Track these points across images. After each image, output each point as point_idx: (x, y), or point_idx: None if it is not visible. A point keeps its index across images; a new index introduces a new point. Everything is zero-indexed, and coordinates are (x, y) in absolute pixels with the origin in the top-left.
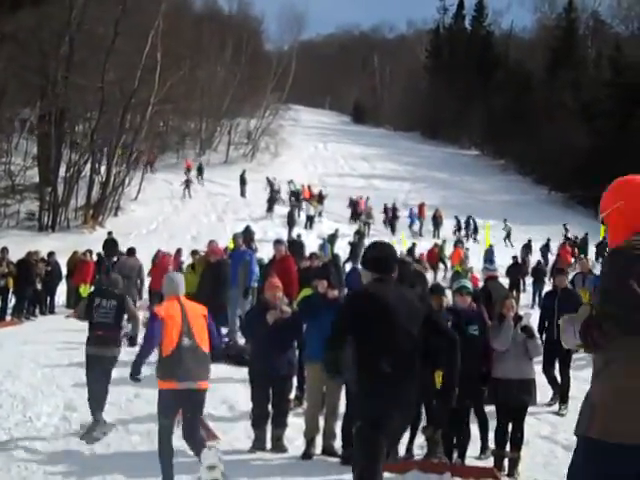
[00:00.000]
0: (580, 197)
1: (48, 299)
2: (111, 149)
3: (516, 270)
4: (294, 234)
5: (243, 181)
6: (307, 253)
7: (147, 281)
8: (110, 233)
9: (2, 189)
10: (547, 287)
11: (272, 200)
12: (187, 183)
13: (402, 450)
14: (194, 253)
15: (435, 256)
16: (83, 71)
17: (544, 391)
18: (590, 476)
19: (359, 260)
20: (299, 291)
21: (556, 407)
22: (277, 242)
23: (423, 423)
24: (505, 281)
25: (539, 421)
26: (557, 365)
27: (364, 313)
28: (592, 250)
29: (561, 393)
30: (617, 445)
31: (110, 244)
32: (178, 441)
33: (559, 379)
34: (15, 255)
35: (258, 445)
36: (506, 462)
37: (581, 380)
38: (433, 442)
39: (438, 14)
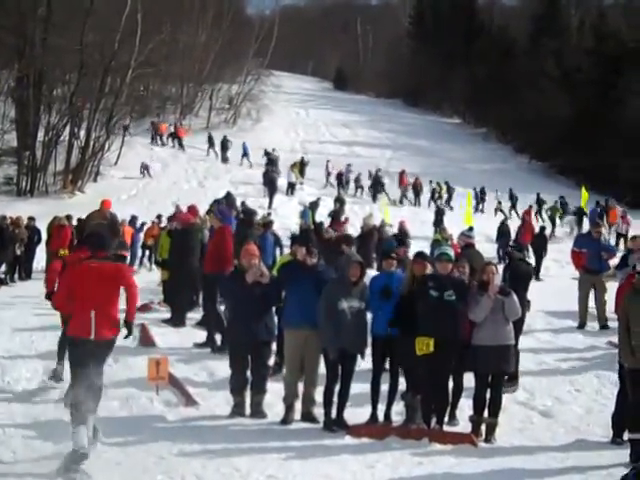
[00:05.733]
0: (560, 166)
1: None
2: (90, 113)
3: (542, 239)
4: (275, 201)
5: (225, 147)
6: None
7: None
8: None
9: None
10: None
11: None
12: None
13: (381, 416)
14: (171, 219)
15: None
16: (62, 33)
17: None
18: None
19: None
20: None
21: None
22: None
23: (402, 388)
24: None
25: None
26: None
27: None
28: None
29: None
30: None
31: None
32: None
33: None
34: None
35: (237, 411)
36: (483, 428)
37: None
38: (412, 408)
39: None
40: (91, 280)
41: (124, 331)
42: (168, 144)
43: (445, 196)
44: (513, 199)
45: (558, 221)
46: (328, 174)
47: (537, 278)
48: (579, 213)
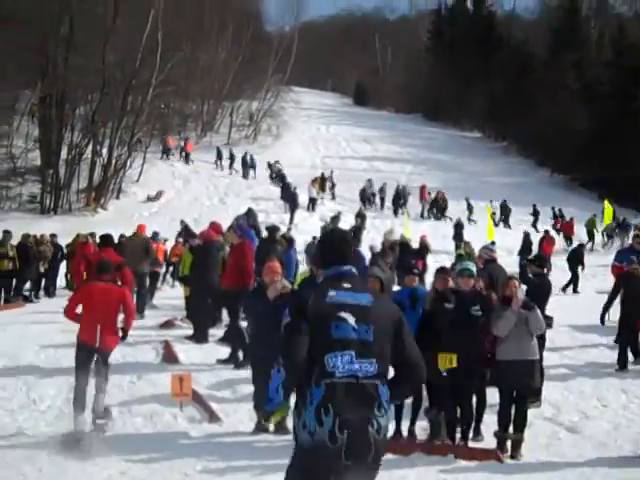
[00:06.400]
0: (582, 179)
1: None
2: (112, 131)
3: (579, 253)
4: (296, 217)
5: (245, 163)
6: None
7: None
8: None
9: (4, 172)
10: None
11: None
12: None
13: (405, 432)
14: (193, 236)
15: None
16: (84, 52)
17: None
18: None
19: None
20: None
21: None
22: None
23: (426, 404)
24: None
25: (542, 402)
26: None
27: None
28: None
29: None
30: None
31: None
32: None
33: None
34: (19, 238)
35: (261, 427)
36: (509, 444)
37: None
38: (436, 424)
39: None
40: (98, 299)
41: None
42: (177, 158)
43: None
44: (536, 214)
45: (596, 233)
46: (365, 192)
47: (575, 291)
48: (623, 226)
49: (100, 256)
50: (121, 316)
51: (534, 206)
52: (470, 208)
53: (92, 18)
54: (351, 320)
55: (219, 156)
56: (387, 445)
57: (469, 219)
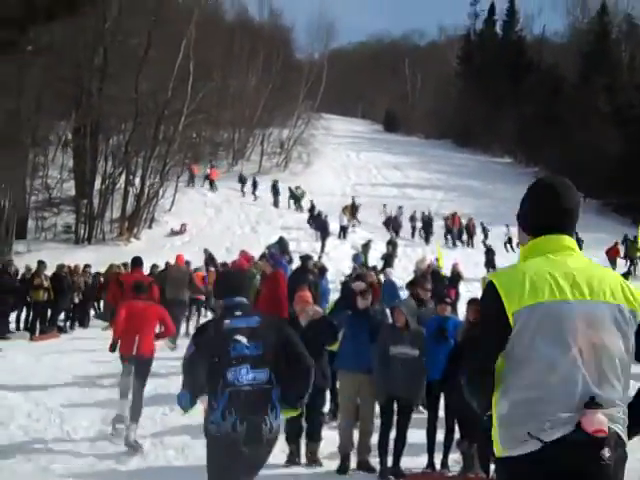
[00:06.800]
0: (614, 204)
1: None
2: (145, 160)
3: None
4: (327, 245)
5: (276, 191)
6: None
7: None
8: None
9: (39, 202)
10: None
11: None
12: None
13: (438, 464)
14: (224, 265)
15: None
16: (117, 82)
17: None
18: None
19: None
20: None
21: None
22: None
23: (457, 436)
24: None
25: None
26: None
27: None
28: None
29: None
30: None
31: None
32: None
33: None
34: (53, 268)
35: (293, 459)
36: None
37: None
38: (469, 457)
39: (469, 20)
40: (139, 315)
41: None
42: (201, 185)
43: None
44: (578, 242)
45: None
46: (389, 220)
47: None
48: None
49: (131, 277)
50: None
51: (576, 233)
52: (508, 238)
53: (125, 49)
54: (244, 340)
55: (242, 183)
56: (277, 440)
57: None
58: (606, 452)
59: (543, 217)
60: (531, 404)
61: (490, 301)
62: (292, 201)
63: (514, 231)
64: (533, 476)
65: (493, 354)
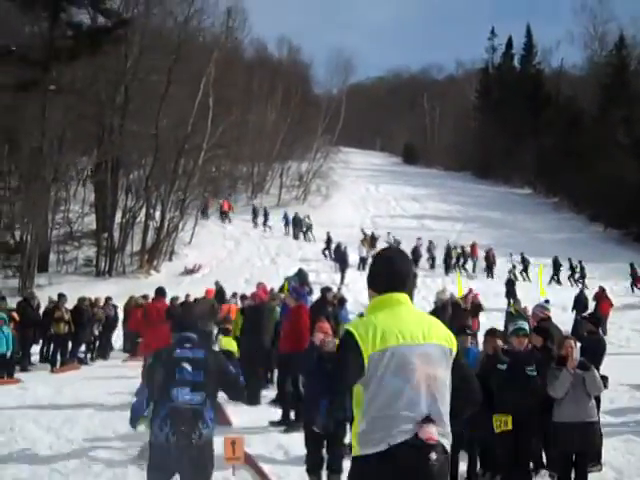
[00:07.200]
0: (635, 234)
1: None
2: (165, 194)
3: None
4: (347, 277)
5: (296, 223)
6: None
7: None
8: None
9: (61, 236)
10: None
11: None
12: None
13: None
14: (243, 298)
15: None
16: (138, 119)
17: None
18: None
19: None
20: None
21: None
22: (289, 284)
23: (479, 468)
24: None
25: (603, 465)
26: None
27: None
28: None
29: None
30: None
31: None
32: None
33: None
34: (75, 301)
35: None
36: None
37: None
38: None
39: (487, 54)
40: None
41: None
42: (216, 217)
43: (519, 267)
44: (582, 270)
45: None
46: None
47: None
48: None
49: (154, 306)
50: None
51: (580, 262)
52: (525, 264)
53: (146, 86)
54: (189, 368)
55: (254, 214)
56: (211, 447)
57: (521, 273)
58: (433, 455)
59: (384, 280)
60: (383, 420)
61: (350, 346)
62: (301, 231)
63: (531, 259)
64: (380, 469)
65: (349, 383)
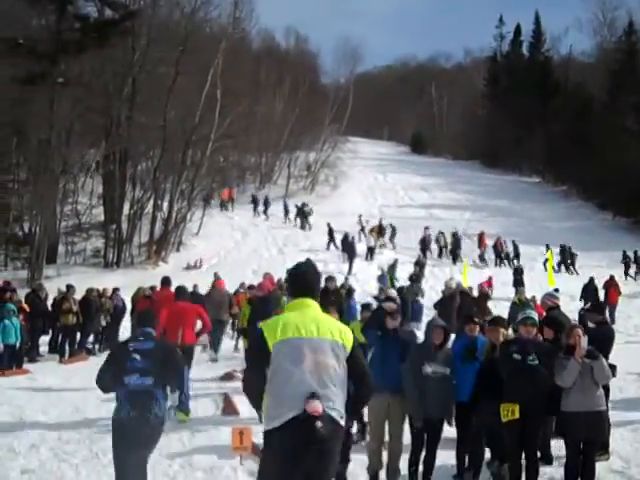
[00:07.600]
0: None
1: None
2: (173, 186)
3: None
4: (354, 267)
5: (303, 214)
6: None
7: None
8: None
9: (69, 228)
10: None
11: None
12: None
13: None
14: (251, 288)
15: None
16: (146, 110)
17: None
18: None
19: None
20: None
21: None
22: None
23: (488, 457)
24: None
25: (610, 454)
26: None
27: None
28: None
29: None
30: None
31: None
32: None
33: None
34: (83, 292)
35: None
36: None
37: None
38: (499, 477)
39: (495, 42)
40: (181, 312)
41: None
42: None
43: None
44: (572, 256)
45: None
46: (425, 241)
47: None
48: None
49: (161, 294)
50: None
51: (569, 248)
52: (573, 257)
53: (154, 78)
54: (138, 357)
55: (255, 203)
56: (161, 427)
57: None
58: (319, 423)
59: (298, 289)
60: (279, 399)
61: (258, 338)
62: (299, 218)
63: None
64: (281, 439)
65: (262, 369)
